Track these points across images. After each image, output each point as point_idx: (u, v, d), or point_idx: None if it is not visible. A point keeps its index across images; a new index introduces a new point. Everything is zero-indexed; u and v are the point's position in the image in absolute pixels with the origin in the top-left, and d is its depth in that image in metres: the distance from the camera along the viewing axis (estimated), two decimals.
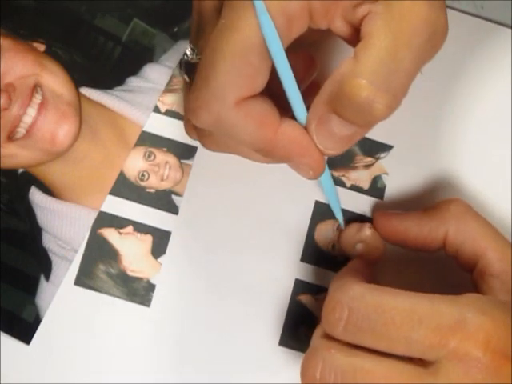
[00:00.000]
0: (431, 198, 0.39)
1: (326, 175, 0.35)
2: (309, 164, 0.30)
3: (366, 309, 0.28)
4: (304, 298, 0.38)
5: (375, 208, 0.38)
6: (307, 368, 0.30)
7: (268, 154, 0.30)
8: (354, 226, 0.37)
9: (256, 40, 0.27)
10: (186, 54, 0.31)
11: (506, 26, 0.41)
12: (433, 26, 0.27)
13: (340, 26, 0.29)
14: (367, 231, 0.37)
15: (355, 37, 0.28)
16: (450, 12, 0.40)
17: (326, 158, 0.31)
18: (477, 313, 0.27)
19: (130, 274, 0.38)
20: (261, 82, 0.28)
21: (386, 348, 0.28)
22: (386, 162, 0.39)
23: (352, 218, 0.38)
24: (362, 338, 0.29)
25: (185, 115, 0.35)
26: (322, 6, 0.28)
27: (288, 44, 0.28)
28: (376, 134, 0.39)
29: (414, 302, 0.28)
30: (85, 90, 0.40)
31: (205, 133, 0.33)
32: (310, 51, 0.34)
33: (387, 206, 0.38)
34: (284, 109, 0.30)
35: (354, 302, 0.29)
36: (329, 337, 0.30)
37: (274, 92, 0.30)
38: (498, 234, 0.33)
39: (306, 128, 0.30)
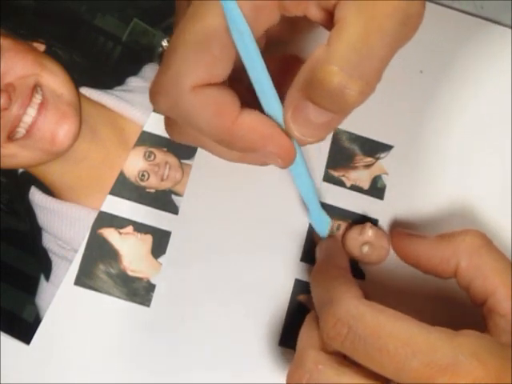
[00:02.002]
0: (431, 198, 0.39)
1: (299, 165, 0.33)
2: (275, 153, 0.30)
3: (364, 330, 0.28)
4: (304, 298, 0.38)
5: (394, 225, 0.38)
6: (292, 378, 0.31)
7: (229, 145, 0.30)
8: (356, 229, 0.37)
9: (218, 28, 0.27)
10: (161, 45, 0.32)
11: (505, 25, 0.41)
12: (406, 9, 0.26)
13: (316, 13, 0.29)
14: (369, 232, 0.37)
15: (332, 23, 0.28)
16: (450, 12, 0.40)
17: (296, 146, 0.30)
18: (470, 357, 0.27)
19: (130, 274, 0.38)
20: (221, 70, 0.28)
21: (376, 370, 0.28)
22: (386, 162, 0.39)
23: (353, 218, 0.38)
24: (357, 356, 0.29)
25: None
26: None
27: (259, 34, 0.28)
28: (376, 133, 0.39)
29: (411, 332, 0.28)
30: (85, 90, 0.40)
31: (169, 121, 0.33)
32: (293, 48, 0.34)
33: (405, 225, 0.38)
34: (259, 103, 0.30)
35: (354, 321, 0.29)
36: (317, 347, 0.31)
37: (249, 85, 0.29)
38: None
39: (283, 117, 0.29)
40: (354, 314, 0.29)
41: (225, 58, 0.28)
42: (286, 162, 0.31)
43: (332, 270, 0.34)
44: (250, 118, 0.29)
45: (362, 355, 0.29)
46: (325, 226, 0.37)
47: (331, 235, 0.38)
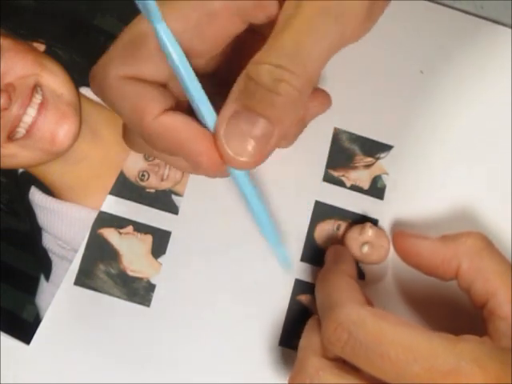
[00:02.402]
0: (431, 198, 0.39)
1: (247, 187, 0.31)
2: (194, 153, 0.28)
3: (365, 337, 0.28)
4: (304, 298, 0.38)
5: (394, 225, 0.38)
6: (294, 382, 0.31)
7: (149, 142, 0.29)
8: (356, 229, 0.37)
9: (150, 33, 0.28)
10: None
11: (505, 25, 0.41)
12: (340, 7, 0.27)
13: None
14: (369, 232, 0.37)
15: None
16: (450, 12, 0.40)
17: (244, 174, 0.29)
18: (471, 363, 0.27)
19: (130, 273, 0.38)
20: (149, 71, 0.29)
21: (377, 375, 0.28)
22: (386, 162, 0.39)
23: (353, 218, 0.38)
24: (357, 362, 0.29)
25: None
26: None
27: (215, 44, 0.29)
28: (376, 133, 0.39)
29: (413, 339, 0.28)
30: (85, 90, 0.40)
31: (125, 132, 0.33)
32: None
33: (405, 225, 0.38)
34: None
35: (355, 326, 0.29)
36: (318, 352, 0.31)
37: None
38: None
39: (216, 134, 0.28)
40: (355, 320, 0.29)
41: (154, 60, 0.28)
42: (210, 164, 0.29)
43: (337, 276, 0.34)
44: (172, 118, 0.29)
45: (362, 361, 0.29)
46: (285, 259, 0.36)
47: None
